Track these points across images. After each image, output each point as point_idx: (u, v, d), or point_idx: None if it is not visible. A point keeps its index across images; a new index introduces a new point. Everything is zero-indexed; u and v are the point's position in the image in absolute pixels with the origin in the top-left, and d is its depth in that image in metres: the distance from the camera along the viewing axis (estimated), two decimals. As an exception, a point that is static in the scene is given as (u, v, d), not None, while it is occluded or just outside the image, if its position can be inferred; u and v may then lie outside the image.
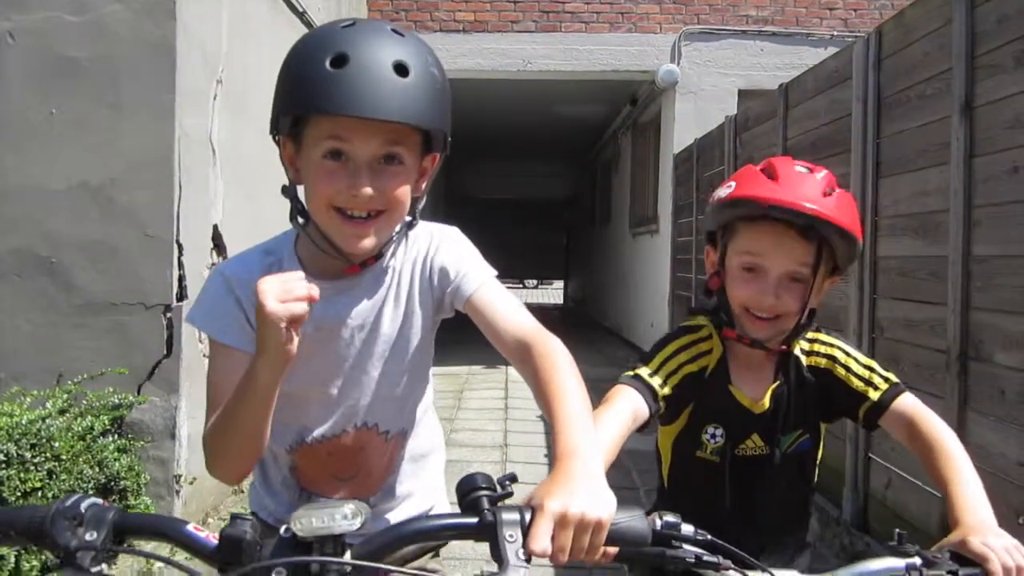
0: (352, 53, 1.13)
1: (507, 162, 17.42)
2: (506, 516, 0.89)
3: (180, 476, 3.66)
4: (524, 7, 8.35)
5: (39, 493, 2.85)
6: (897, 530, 1.08)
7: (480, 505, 0.92)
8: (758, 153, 5.37)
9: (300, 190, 1.29)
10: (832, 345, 1.52)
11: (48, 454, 2.92)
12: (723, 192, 1.45)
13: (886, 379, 1.45)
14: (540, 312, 13.74)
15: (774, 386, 1.49)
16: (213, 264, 3.91)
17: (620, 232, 11.87)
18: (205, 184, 3.90)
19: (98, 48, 3.57)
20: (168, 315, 3.59)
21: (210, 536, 0.96)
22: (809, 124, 4.48)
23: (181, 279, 3.63)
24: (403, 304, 1.36)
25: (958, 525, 1.16)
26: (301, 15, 5.46)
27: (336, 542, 0.88)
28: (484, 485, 0.94)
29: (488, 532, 0.90)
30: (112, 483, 3.32)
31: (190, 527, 0.98)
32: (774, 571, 0.99)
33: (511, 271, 24.26)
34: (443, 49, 8.28)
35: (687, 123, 8.09)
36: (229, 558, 0.90)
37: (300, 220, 1.28)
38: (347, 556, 0.88)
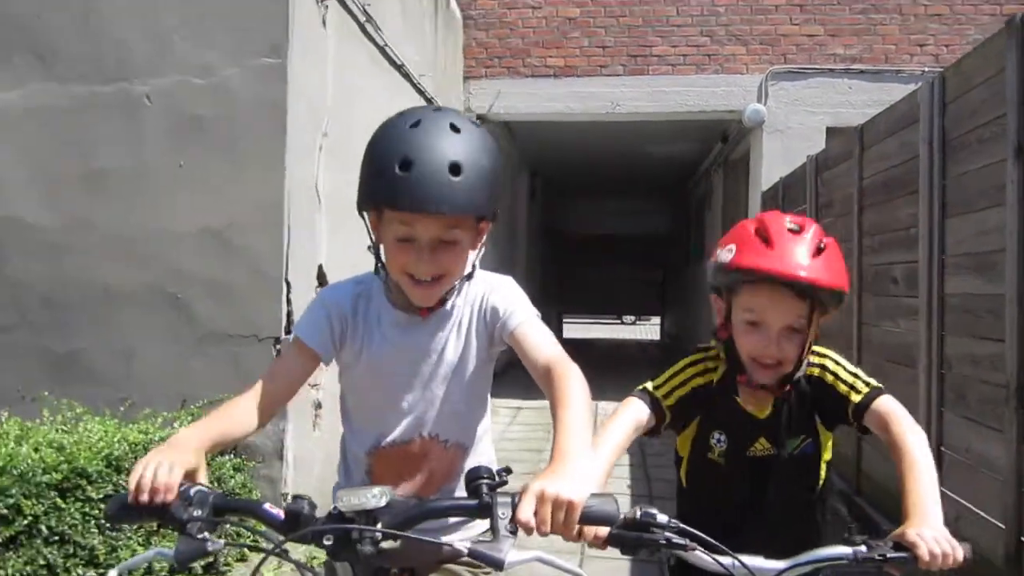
0: (415, 158, 1.41)
1: (602, 199, 17.71)
2: (500, 499, 1.16)
3: (286, 494, 4.03)
4: (612, 52, 8.65)
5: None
6: (850, 524, 1.29)
7: (480, 490, 1.19)
8: (838, 192, 5.48)
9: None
10: (823, 355, 1.73)
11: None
12: (725, 257, 1.65)
13: (867, 383, 1.65)
14: (638, 347, 14.00)
15: (780, 398, 1.71)
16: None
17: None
18: (312, 228, 4.32)
19: (220, 107, 4.05)
20: (277, 347, 4.00)
21: (279, 512, 1.28)
22: (881, 165, 4.59)
23: (289, 314, 4.04)
24: (463, 337, 1.66)
25: (906, 519, 1.36)
26: (399, 67, 5.91)
27: (369, 516, 1.17)
28: (485, 475, 1.20)
29: (485, 511, 1.17)
30: (231, 489, 3.73)
31: (266, 506, 1.30)
32: (739, 556, 1.21)
33: (608, 307, 24.39)
34: (535, 93, 8.72)
35: (775, 161, 8.18)
36: (291, 527, 1.22)
37: (382, 273, 1.61)
38: (377, 526, 1.17)
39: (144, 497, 1.25)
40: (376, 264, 1.60)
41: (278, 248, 4.04)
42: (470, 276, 1.63)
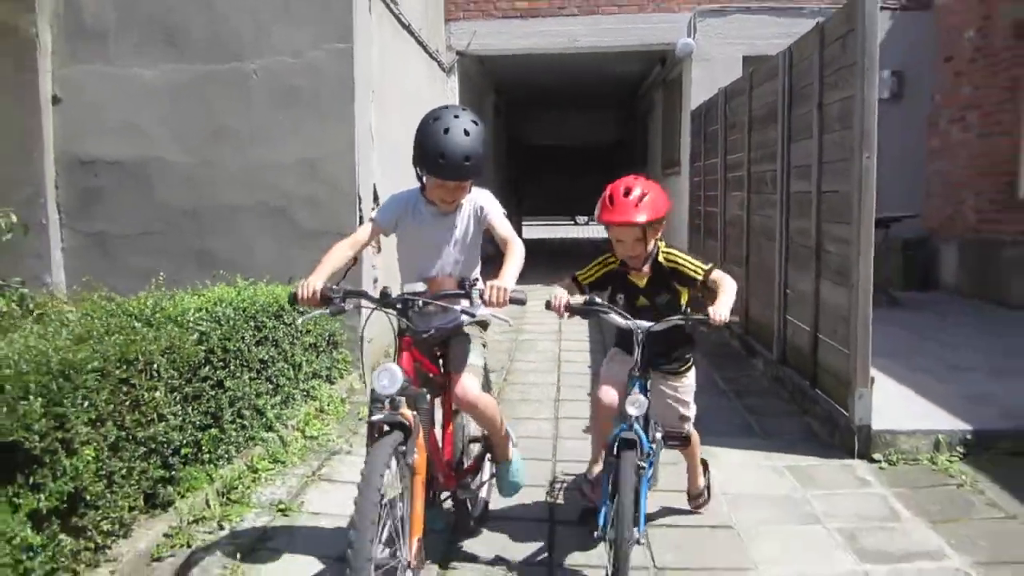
0: (446, 152, 2.78)
1: (558, 112, 19.50)
2: (474, 290, 2.78)
3: (363, 337, 6.04)
4: (569, -5, 10.43)
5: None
6: (688, 309, 3.25)
7: (464, 284, 2.86)
8: (737, 117, 7.46)
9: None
10: (670, 251, 3.22)
11: (287, 319, 5.21)
12: (596, 212, 3.11)
13: (700, 267, 3.15)
14: (590, 244, 16.41)
15: (649, 274, 3.23)
16: (374, 207, 6.23)
17: (655, 173, 13.93)
18: (369, 159, 6.21)
19: (306, 79, 5.88)
20: (354, 239, 5.94)
21: (376, 294, 2.87)
22: (760, 102, 6.60)
23: (361, 217, 5.97)
24: (465, 222, 3.09)
25: (711, 305, 2.97)
26: (408, 27, 7.68)
27: (416, 295, 2.83)
28: (468, 280, 2.92)
29: (467, 293, 2.80)
30: (329, 337, 5.71)
31: (370, 291, 3.20)
32: (631, 319, 3.07)
33: (563, 208, 26.33)
34: (505, 32, 10.49)
35: (702, 84, 10.08)
36: (382, 299, 2.84)
37: (424, 190, 3.07)
38: (419, 299, 2.83)
39: (305, 294, 2.75)
40: (420, 186, 3.08)
41: (350, 173, 5.94)
42: (468, 190, 3.08)
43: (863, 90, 4.30)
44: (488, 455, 3.48)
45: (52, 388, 2.77)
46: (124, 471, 3.15)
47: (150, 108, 6.02)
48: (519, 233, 15.76)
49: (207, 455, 3.82)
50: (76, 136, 6.07)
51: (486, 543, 3.43)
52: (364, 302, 2.87)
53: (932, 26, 9.94)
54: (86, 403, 2.89)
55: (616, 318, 3.04)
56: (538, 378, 6.30)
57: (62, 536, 2.79)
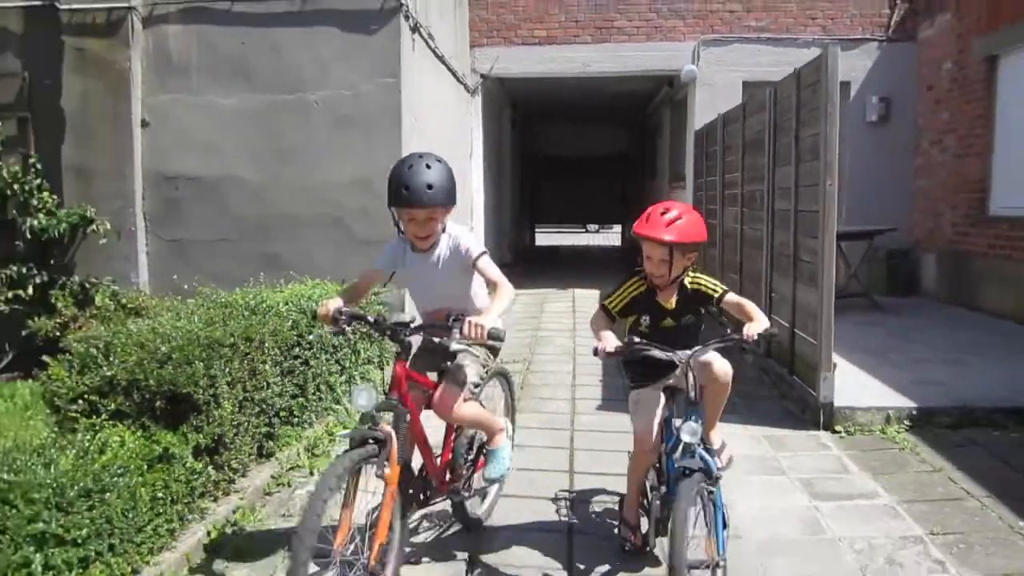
0: (410, 184, 2.99)
1: (571, 125, 20.48)
2: (455, 327, 2.91)
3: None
4: (583, 25, 11.41)
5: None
6: (728, 329, 3.41)
7: (448, 322, 2.94)
8: (733, 141, 8.41)
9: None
10: (697, 277, 3.33)
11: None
12: (635, 225, 3.21)
13: (719, 287, 3.32)
14: (600, 252, 17.46)
15: (676, 297, 3.32)
16: (415, 219, 7.21)
17: (662, 185, 14.89)
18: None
19: (360, 108, 6.87)
20: (399, 246, 6.91)
21: (375, 319, 3.15)
22: (752, 129, 7.56)
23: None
24: (446, 259, 3.27)
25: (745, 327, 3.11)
26: (441, 59, 8.67)
27: (406, 325, 3.14)
28: (452, 317, 2.95)
29: (449, 327, 2.92)
30: (379, 330, 6.67)
31: (369, 317, 3.14)
32: (675, 351, 3.07)
33: (575, 217, 27.27)
34: (524, 58, 11.49)
35: (705, 108, 11.03)
36: (378, 325, 3.19)
37: (403, 235, 3.28)
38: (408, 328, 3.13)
39: (323, 312, 3.05)
40: (398, 231, 3.27)
41: (397, 190, 6.92)
42: (444, 230, 3.27)
43: (826, 129, 5.25)
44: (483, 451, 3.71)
45: (204, 357, 3.74)
46: (246, 424, 4.12)
47: (226, 132, 7.02)
48: (532, 240, 17.07)
49: (296, 419, 4.79)
50: (161, 155, 7.07)
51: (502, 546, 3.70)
52: (360, 326, 3.18)
53: (916, 57, 10.89)
54: (227, 369, 3.86)
55: (658, 354, 3.09)
56: (556, 367, 7.26)
57: (210, 468, 3.76)
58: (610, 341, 3.12)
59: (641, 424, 3.37)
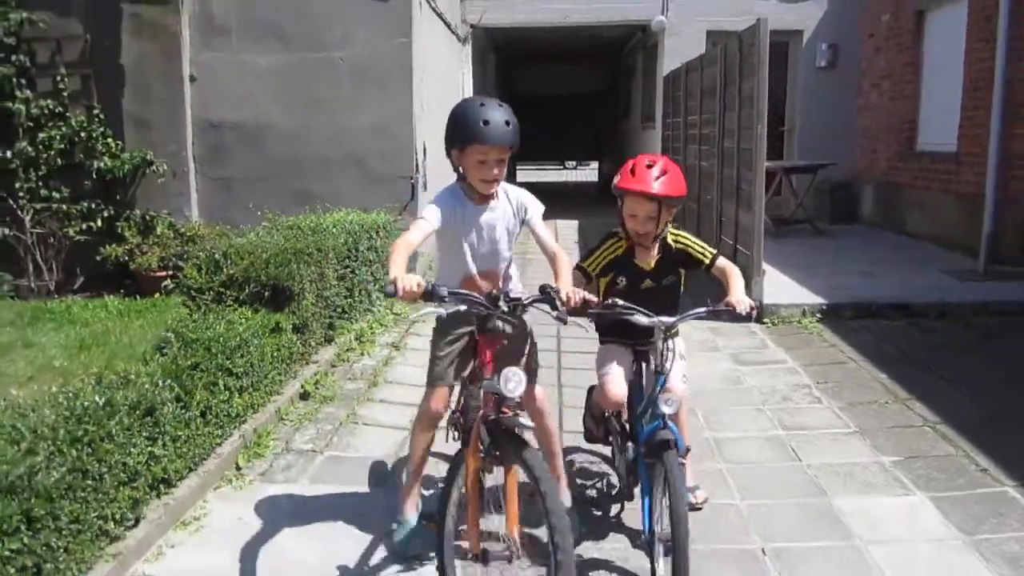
0: (490, 119, 2.80)
1: (550, 65, 21.63)
2: (554, 292, 2.71)
3: (419, 252, 8.38)
4: (563, -21, 12.60)
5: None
6: (708, 299, 3.06)
7: (546, 289, 2.73)
8: (694, 87, 9.74)
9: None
10: (679, 234, 3.30)
11: (372, 233, 7.52)
12: (616, 180, 3.16)
13: (709, 251, 3.26)
14: (579, 188, 18.99)
15: (657, 256, 3.27)
16: (424, 157, 8.52)
17: (635, 124, 16.22)
18: (421, 122, 8.49)
19: (379, 64, 8.12)
20: (412, 181, 8.25)
21: (482, 298, 2.78)
22: (707, 79, 8.91)
23: (416, 165, 8.27)
24: (504, 215, 3.09)
25: (731, 295, 3.03)
26: (440, 16, 9.88)
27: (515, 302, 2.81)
28: (548, 288, 2.73)
29: (549, 298, 2.72)
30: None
31: (471, 295, 2.79)
32: (658, 316, 2.99)
33: (554, 154, 28.46)
34: (509, 9, 12.67)
35: (673, 54, 12.28)
36: (491, 302, 2.81)
37: (462, 180, 3.03)
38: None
39: (408, 286, 2.54)
40: (459, 177, 3.04)
41: (409, 133, 8.23)
42: (503, 173, 3.01)
43: (758, 84, 6.62)
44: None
45: (293, 260, 5.12)
46: (318, 314, 5.53)
47: (262, 85, 8.26)
48: (514, 177, 18.37)
49: (347, 315, 6.21)
50: (207, 106, 8.31)
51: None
52: (456, 301, 2.79)
53: (860, 9, 12.19)
54: (309, 270, 5.26)
55: (641, 318, 2.96)
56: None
57: (298, 342, 5.18)
58: (581, 292, 2.90)
59: (610, 377, 3.29)
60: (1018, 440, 4.33)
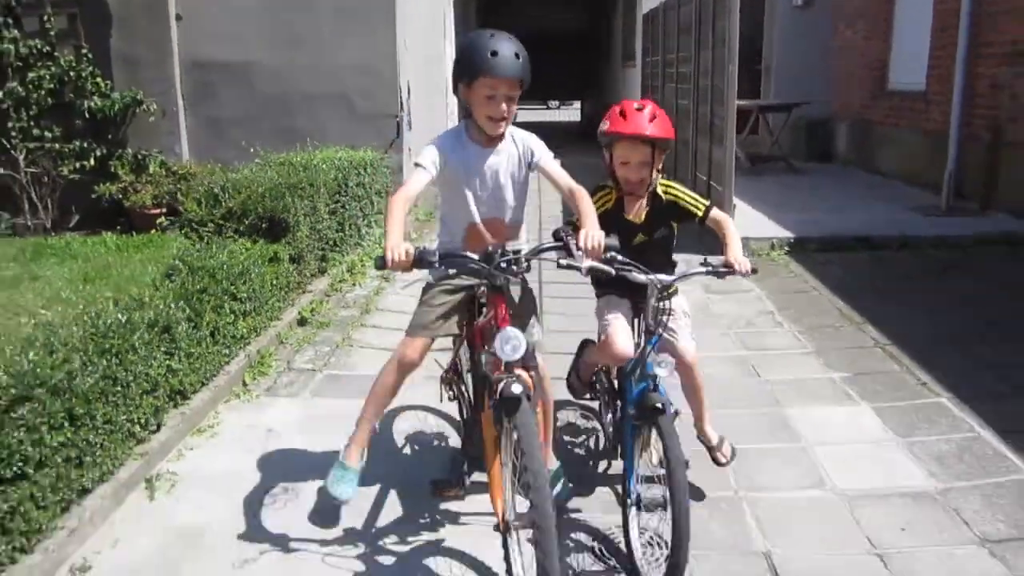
0: (499, 50, 2.63)
1: (534, 5, 21.58)
2: (570, 239, 2.55)
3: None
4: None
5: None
6: (705, 255, 2.92)
7: (559, 235, 2.60)
8: (670, 26, 9.94)
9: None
10: (670, 185, 3.15)
11: (360, 170, 7.78)
12: (604, 127, 2.98)
13: (701, 203, 3.11)
14: (562, 126, 19.25)
15: (647, 209, 3.11)
16: (408, 95, 8.73)
17: (617, 64, 16.36)
18: (404, 61, 8.68)
19: (362, 2, 8.27)
20: (396, 119, 8.48)
21: (475, 256, 2.62)
22: (683, 19, 9.11)
23: (400, 103, 8.49)
24: (511, 159, 2.89)
25: (728, 253, 2.91)
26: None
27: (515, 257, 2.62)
28: (562, 230, 2.60)
29: (564, 245, 2.57)
30: (379, 187, 8.30)
31: (466, 253, 2.67)
32: (656, 275, 2.79)
33: (538, 93, 28.52)
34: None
35: (652, -7, 12.46)
36: (486, 259, 2.63)
37: (467, 118, 2.85)
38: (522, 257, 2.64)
39: (397, 256, 2.45)
40: (464, 115, 2.89)
41: (393, 70, 8.42)
42: (514, 112, 2.80)
43: (729, 24, 6.87)
44: None
45: (286, 194, 5.39)
46: (312, 246, 5.83)
47: (247, 23, 8.39)
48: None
49: (338, 248, 6.51)
50: (194, 45, 8.44)
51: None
52: (458, 262, 2.73)
53: (837, -54, 12.34)
54: (302, 204, 5.54)
55: (638, 275, 2.82)
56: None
57: (294, 272, 5.49)
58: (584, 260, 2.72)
59: (615, 329, 3.12)
60: (958, 358, 4.75)
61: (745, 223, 7.39)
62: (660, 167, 3.10)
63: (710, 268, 2.89)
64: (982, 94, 8.52)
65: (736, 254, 2.92)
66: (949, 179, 8.50)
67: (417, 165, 2.77)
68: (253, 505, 3.29)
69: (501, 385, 2.50)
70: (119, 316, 3.45)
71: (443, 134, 2.93)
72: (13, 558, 2.64)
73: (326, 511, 3.22)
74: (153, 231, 7.73)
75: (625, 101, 3.07)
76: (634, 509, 2.89)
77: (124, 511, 3.20)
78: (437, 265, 2.56)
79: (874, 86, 11.26)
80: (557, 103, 31.47)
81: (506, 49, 2.65)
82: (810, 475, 3.57)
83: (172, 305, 3.82)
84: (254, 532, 3.11)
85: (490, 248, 2.67)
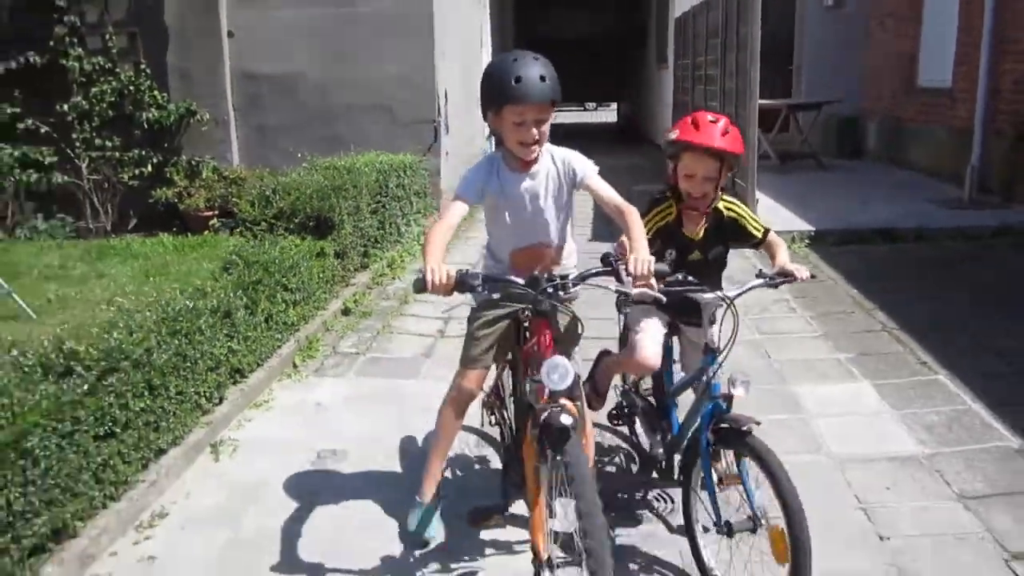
0: (523, 75, 2.51)
1: (567, 9, 22.00)
2: (619, 264, 2.43)
3: (442, 190, 9.09)
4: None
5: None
6: (758, 269, 2.86)
7: (608, 259, 2.51)
8: (700, 27, 10.25)
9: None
10: (732, 203, 3.04)
11: (400, 172, 8.22)
12: (673, 135, 2.89)
13: (760, 225, 3.04)
14: (600, 127, 19.71)
15: (705, 226, 3.00)
16: (445, 102, 9.17)
17: (652, 67, 16.66)
18: (441, 71, 9.12)
19: (401, 16, 8.74)
20: (434, 125, 8.92)
21: (521, 280, 2.55)
22: (711, 23, 9.43)
23: (438, 109, 8.93)
24: (551, 182, 2.77)
25: (781, 266, 2.87)
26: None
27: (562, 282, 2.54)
28: (612, 255, 2.52)
29: (613, 271, 2.46)
30: (418, 188, 8.74)
31: (509, 276, 2.61)
32: (723, 292, 2.72)
33: (575, 96, 28.82)
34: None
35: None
36: (532, 285, 2.54)
37: (498, 146, 2.77)
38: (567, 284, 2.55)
39: (438, 279, 2.35)
40: (496, 143, 2.80)
41: (431, 80, 8.87)
42: (546, 133, 2.69)
43: (752, 30, 7.19)
44: None
45: (332, 195, 5.85)
46: (355, 243, 6.29)
47: (295, 39, 8.91)
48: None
49: (379, 245, 6.97)
50: (245, 59, 8.99)
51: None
52: (504, 288, 2.66)
53: (866, -53, 12.53)
54: (346, 204, 6.00)
55: (706, 295, 2.75)
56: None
57: (339, 266, 5.94)
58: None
59: (644, 337, 3.05)
60: (959, 340, 5.02)
61: (769, 217, 7.68)
62: (723, 185, 3.02)
63: (768, 279, 2.86)
64: (1006, 91, 8.70)
65: (790, 262, 2.91)
66: (972, 172, 8.68)
67: (456, 198, 2.72)
68: (304, 466, 3.73)
69: (546, 415, 2.42)
70: (186, 303, 3.91)
71: (477, 164, 2.83)
72: (105, 504, 3.11)
73: (369, 474, 3.65)
74: (206, 232, 8.26)
75: (699, 111, 2.98)
76: (714, 533, 2.77)
77: (194, 470, 3.68)
78: (480, 289, 2.50)
79: (903, 83, 11.43)
80: (595, 104, 31.75)
81: (531, 73, 2.53)
82: (807, 442, 3.91)
83: (231, 294, 4.28)
84: (305, 488, 3.55)
85: (536, 272, 2.62)
